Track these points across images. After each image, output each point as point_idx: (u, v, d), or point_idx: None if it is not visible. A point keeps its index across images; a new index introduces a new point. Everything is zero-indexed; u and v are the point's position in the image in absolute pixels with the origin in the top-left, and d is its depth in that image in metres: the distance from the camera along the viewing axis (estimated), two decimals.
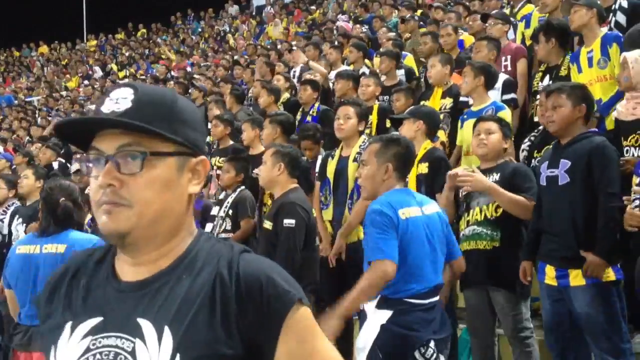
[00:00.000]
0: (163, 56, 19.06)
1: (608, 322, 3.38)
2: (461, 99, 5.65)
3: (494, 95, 5.43)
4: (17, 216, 5.89)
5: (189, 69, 15.63)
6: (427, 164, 4.36)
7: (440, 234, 3.21)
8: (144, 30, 24.67)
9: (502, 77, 5.69)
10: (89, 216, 5.03)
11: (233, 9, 23.20)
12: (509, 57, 6.12)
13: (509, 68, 6.06)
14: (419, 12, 11.07)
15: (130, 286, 1.23)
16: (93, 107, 11.25)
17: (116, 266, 1.27)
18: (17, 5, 28.15)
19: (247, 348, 1.18)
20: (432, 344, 3.04)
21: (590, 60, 4.80)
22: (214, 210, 5.50)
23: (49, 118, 15.15)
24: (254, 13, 21.80)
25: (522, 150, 4.87)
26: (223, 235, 5.39)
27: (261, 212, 5.34)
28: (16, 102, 19.66)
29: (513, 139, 4.51)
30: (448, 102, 5.79)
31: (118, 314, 1.20)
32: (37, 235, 3.58)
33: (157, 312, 1.18)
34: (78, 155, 3.73)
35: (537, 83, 5.36)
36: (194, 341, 1.16)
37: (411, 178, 4.12)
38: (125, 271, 1.25)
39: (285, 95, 7.98)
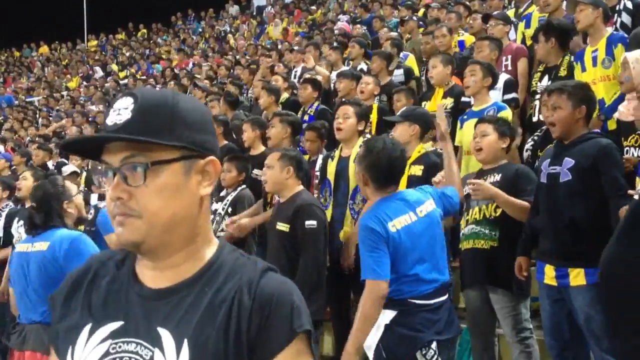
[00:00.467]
0: (164, 56, 19.08)
1: (609, 322, 3.38)
2: (463, 99, 5.65)
3: (495, 95, 5.44)
4: (17, 218, 5.90)
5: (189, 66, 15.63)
6: (421, 167, 4.35)
7: (441, 231, 3.23)
8: (145, 31, 24.69)
9: (503, 76, 5.70)
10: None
11: (233, 9, 23.21)
12: (509, 57, 6.13)
13: (510, 68, 6.07)
14: (422, 12, 11.06)
15: (153, 293, 1.23)
16: (94, 107, 11.24)
17: (137, 270, 1.28)
18: (18, 5, 28.16)
19: None
20: (433, 345, 3.04)
21: (594, 59, 4.80)
22: (214, 206, 5.56)
23: (50, 118, 15.16)
24: (254, 13, 21.80)
25: (526, 150, 4.88)
26: (221, 234, 5.43)
27: (265, 210, 5.35)
28: (16, 102, 19.67)
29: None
30: (449, 102, 5.78)
31: (139, 320, 1.21)
32: (32, 235, 3.66)
33: (177, 324, 1.19)
34: (97, 167, 3.80)
35: (536, 83, 5.37)
36: (208, 358, 1.17)
37: (403, 179, 4.11)
38: (147, 276, 1.26)
39: (285, 95, 8.00)
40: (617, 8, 5.32)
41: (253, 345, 1.18)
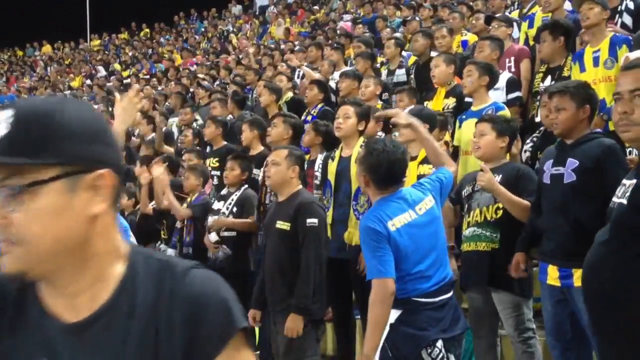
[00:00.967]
0: (166, 56, 19.10)
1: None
2: (467, 99, 5.65)
3: (499, 94, 5.43)
4: None
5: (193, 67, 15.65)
6: (430, 166, 4.34)
7: (441, 227, 3.25)
8: (147, 30, 24.71)
9: (506, 75, 5.69)
10: None
11: (236, 9, 23.22)
12: (512, 58, 6.13)
13: (513, 69, 6.06)
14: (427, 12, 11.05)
15: (72, 327, 1.11)
16: (96, 107, 11.24)
17: (45, 299, 1.14)
18: (21, 4, 28.21)
19: None
20: (439, 343, 3.05)
21: (596, 60, 4.79)
22: (216, 205, 5.57)
23: None
24: (257, 13, 21.81)
25: (525, 152, 4.87)
26: (226, 234, 5.45)
27: (260, 211, 5.37)
28: None
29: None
30: (451, 102, 5.78)
31: (64, 358, 1.10)
32: None
33: (108, 358, 1.11)
34: None
35: (538, 84, 5.36)
36: None
37: (412, 178, 4.10)
38: (58, 306, 1.13)
39: (289, 95, 8.00)
40: (618, 9, 5.32)
41: (189, 355, 1.10)
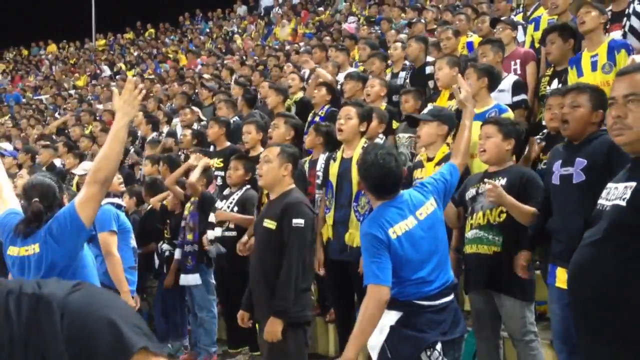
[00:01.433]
0: (171, 56, 19.12)
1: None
2: None
3: (504, 96, 5.41)
4: None
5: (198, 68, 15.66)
6: None
7: (443, 231, 3.24)
8: (152, 30, 24.74)
9: (512, 78, 5.67)
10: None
11: (241, 10, 23.22)
12: (518, 61, 6.10)
13: (519, 72, 6.04)
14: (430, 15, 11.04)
15: None
16: (101, 106, 11.24)
17: None
18: (27, 4, 28.28)
19: None
20: (438, 346, 3.04)
21: (594, 64, 4.77)
22: (219, 204, 5.60)
23: (57, 116, 15.22)
24: (262, 14, 21.82)
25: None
26: (227, 234, 5.46)
27: (259, 212, 5.36)
28: (24, 100, 19.75)
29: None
30: (454, 104, 5.76)
31: None
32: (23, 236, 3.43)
33: None
34: None
35: (545, 87, 5.34)
36: None
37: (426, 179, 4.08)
38: None
39: (299, 95, 7.98)
40: (626, 12, 5.29)
41: None
